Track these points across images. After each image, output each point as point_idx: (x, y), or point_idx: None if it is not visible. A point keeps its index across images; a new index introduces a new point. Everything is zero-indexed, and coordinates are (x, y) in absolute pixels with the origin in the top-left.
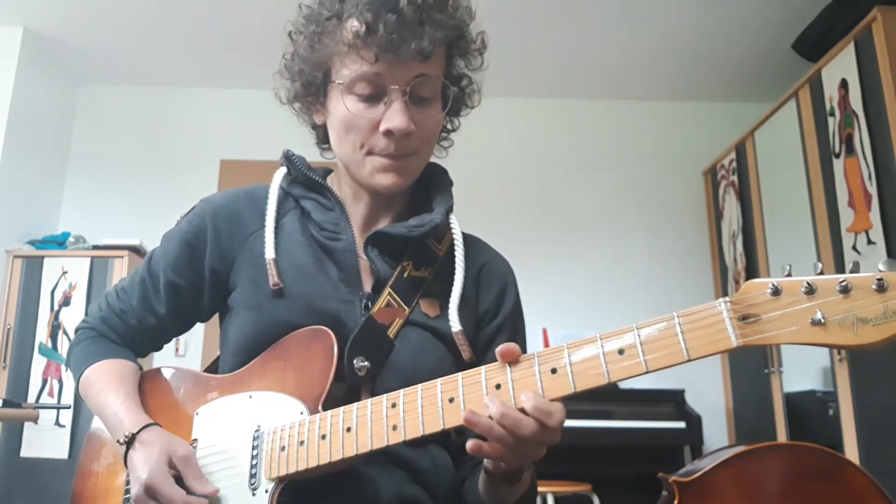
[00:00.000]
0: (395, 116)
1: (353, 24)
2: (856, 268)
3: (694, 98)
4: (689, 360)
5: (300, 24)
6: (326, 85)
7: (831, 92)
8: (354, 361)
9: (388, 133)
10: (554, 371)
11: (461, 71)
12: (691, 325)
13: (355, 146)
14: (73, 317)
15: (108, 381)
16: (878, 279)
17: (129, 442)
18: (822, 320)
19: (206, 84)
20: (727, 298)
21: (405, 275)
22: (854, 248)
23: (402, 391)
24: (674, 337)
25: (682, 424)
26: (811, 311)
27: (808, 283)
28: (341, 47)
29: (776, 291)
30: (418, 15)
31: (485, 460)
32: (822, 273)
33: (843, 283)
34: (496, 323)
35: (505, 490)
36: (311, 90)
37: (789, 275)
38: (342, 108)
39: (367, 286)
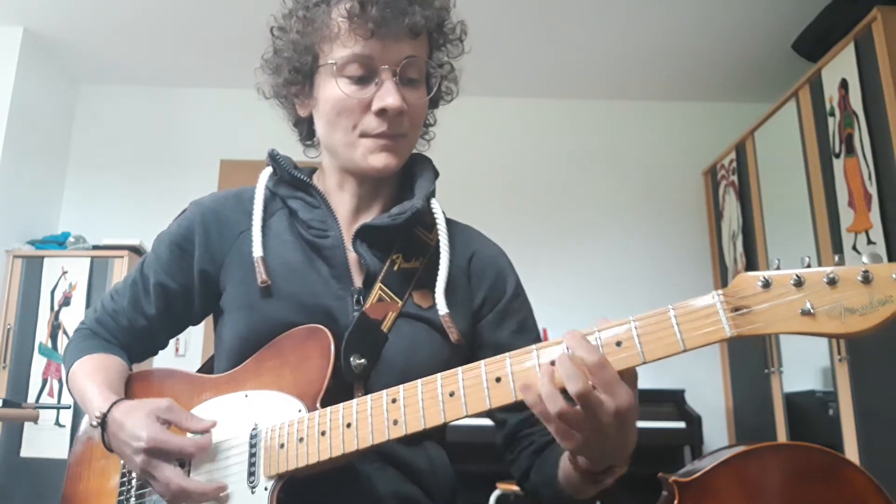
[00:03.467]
0: (387, 95)
1: (346, 4)
2: (841, 261)
3: (694, 98)
4: (685, 351)
5: (285, 13)
6: (314, 71)
7: (831, 92)
8: (351, 359)
9: (381, 112)
10: (553, 363)
11: (442, 60)
12: (686, 316)
13: (347, 129)
14: (73, 317)
15: (89, 372)
16: (864, 271)
17: (103, 424)
18: (812, 310)
19: (206, 84)
20: (720, 291)
21: (395, 268)
22: (854, 248)
23: (401, 386)
24: (669, 329)
25: (682, 424)
26: (800, 302)
27: (797, 276)
28: (332, 29)
29: (766, 284)
30: None
31: (566, 452)
32: (808, 266)
33: (831, 275)
34: (498, 309)
35: (583, 486)
36: (297, 78)
37: (779, 268)
38: (334, 90)
39: (358, 281)
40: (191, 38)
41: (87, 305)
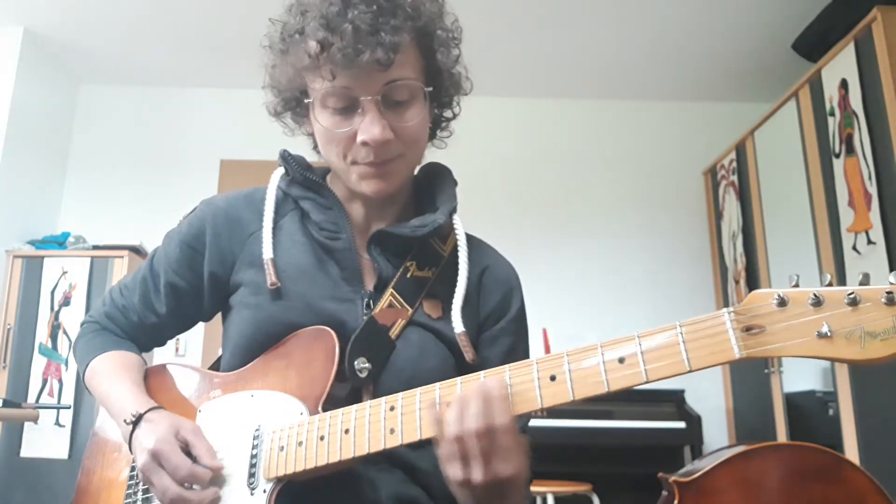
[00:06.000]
0: (369, 128)
1: (310, 44)
2: (865, 280)
3: (694, 98)
4: (690, 371)
5: (273, 38)
6: (304, 100)
7: (831, 92)
8: (356, 363)
9: (365, 144)
10: (553, 378)
11: (439, 64)
12: (694, 334)
13: (339, 156)
14: (73, 317)
15: (115, 370)
16: (888, 292)
17: (136, 421)
18: (829, 333)
19: (206, 84)
20: (731, 308)
21: (408, 275)
22: (854, 248)
23: (400, 394)
24: (675, 347)
25: (682, 424)
26: (817, 324)
27: (815, 295)
28: (306, 62)
29: (782, 302)
30: (374, 23)
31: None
32: (830, 284)
33: (852, 296)
34: (499, 326)
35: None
36: (290, 105)
37: (796, 285)
38: (318, 123)
39: (370, 285)
40: (191, 38)
41: (88, 305)
